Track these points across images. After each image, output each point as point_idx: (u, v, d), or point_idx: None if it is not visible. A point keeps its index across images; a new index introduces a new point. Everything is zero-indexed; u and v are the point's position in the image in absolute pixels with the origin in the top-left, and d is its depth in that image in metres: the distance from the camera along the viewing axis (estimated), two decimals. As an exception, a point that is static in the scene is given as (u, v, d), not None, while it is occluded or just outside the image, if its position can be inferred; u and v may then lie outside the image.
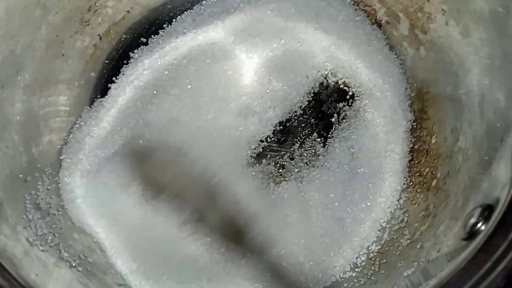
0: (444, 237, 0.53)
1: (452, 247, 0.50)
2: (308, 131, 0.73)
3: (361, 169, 0.70)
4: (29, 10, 0.62)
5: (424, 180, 0.66)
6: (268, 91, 0.73)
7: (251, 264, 0.64)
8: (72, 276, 0.56)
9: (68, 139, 0.69)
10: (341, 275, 0.65)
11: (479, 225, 0.47)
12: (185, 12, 0.77)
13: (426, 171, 0.66)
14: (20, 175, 0.59)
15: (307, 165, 0.71)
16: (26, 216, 0.57)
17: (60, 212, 0.63)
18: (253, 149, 0.71)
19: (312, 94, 0.74)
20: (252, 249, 0.65)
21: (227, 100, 0.73)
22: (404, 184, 0.69)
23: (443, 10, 0.63)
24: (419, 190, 0.66)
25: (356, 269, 0.65)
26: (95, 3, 0.71)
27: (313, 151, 0.72)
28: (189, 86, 0.73)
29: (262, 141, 0.72)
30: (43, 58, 0.66)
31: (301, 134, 0.73)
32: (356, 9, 0.75)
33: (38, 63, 0.65)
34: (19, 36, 0.61)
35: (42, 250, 0.55)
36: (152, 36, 0.76)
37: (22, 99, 0.63)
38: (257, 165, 0.71)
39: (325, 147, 0.71)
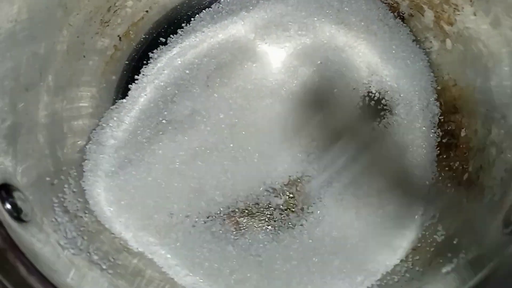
0: (484, 232, 0.52)
1: (494, 242, 0.49)
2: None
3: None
4: (51, 11, 0.61)
5: (454, 174, 0.65)
6: (294, 84, 0.72)
7: None
8: (104, 279, 0.56)
9: (90, 141, 0.69)
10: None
11: (524, 218, 0.46)
12: (203, 10, 0.77)
13: (456, 165, 0.65)
14: (47, 178, 0.59)
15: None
16: (56, 220, 0.56)
17: (87, 215, 0.62)
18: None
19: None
20: None
21: (251, 96, 0.72)
22: (432, 178, 0.68)
23: (470, 0, 0.62)
24: (449, 185, 0.65)
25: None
26: (115, 3, 0.70)
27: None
28: (208, 84, 0.73)
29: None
30: (65, 60, 0.65)
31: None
32: (378, 3, 0.74)
33: (61, 65, 0.64)
34: (42, 37, 0.61)
35: (74, 254, 0.54)
36: (171, 35, 0.76)
37: (45, 101, 0.62)
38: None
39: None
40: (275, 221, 0.68)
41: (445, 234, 0.60)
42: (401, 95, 0.72)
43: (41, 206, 0.55)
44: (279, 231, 0.67)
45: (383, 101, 0.72)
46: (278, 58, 0.74)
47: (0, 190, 0.49)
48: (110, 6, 0.70)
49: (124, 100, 0.72)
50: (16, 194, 0.50)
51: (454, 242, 0.57)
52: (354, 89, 0.72)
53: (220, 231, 0.67)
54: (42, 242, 0.51)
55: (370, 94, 0.72)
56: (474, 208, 0.57)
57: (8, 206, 0.49)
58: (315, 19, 0.74)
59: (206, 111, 0.71)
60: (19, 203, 0.50)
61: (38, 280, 0.44)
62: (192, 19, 0.76)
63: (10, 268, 0.45)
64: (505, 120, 0.57)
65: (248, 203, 0.68)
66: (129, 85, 0.73)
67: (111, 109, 0.72)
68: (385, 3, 0.74)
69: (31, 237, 0.49)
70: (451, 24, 0.67)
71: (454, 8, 0.65)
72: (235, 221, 0.68)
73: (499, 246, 0.48)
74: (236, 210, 0.68)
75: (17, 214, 0.49)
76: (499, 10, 0.58)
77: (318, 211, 0.67)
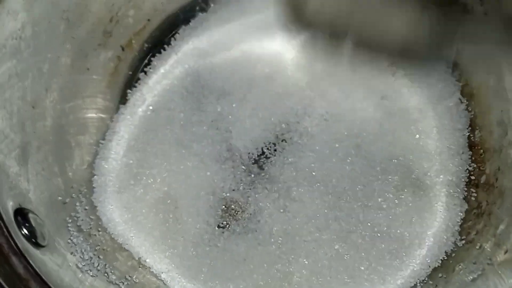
0: (508, 237, 0.51)
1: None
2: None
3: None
4: (54, 25, 0.60)
5: (470, 176, 0.64)
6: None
7: None
8: (123, 299, 0.54)
9: (98, 156, 0.67)
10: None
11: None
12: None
13: (473, 166, 0.64)
14: (59, 198, 0.57)
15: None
16: (71, 240, 0.55)
17: (100, 232, 0.61)
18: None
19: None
20: None
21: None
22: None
23: (480, 0, 0.61)
24: (466, 188, 0.64)
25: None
26: (117, 13, 0.69)
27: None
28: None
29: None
30: (69, 74, 0.64)
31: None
32: None
33: (65, 79, 0.63)
34: (46, 53, 0.59)
35: (92, 276, 0.53)
36: (172, 43, 0.75)
37: (52, 118, 0.61)
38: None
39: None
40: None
41: (466, 238, 0.59)
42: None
43: (55, 227, 0.53)
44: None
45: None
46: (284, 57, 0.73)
47: (16, 215, 0.47)
48: (112, 17, 0.68)
49: (122, 111, 0.71)
50: (31, 218, 0.49)
51: (477, 247, 0.56)
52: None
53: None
54: (61, 266, 0.49)
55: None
56: (496, 212, 0.57)
57: (25, 231, 0.47)
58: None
59: (206, 117, 0.70)
60: (35, 226, 0.49)
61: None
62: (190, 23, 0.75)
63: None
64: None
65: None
66: (127, 96, 0.72)
67: (115, 121, 0.70)
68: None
69: (50, 262, 0.48)
70: (461, 24, 0.66)
71: (463, 8, 0.64)
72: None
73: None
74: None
75: (34, 239, 0.48)
76: (510, 10, 0.57)
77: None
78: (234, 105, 0.71)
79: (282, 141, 0.69)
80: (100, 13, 0.66)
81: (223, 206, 0.66)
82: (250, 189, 0.66)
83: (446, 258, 0.60)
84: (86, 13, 0.64)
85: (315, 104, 0.70)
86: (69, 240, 0.54)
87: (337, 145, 0.68)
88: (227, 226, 0.65)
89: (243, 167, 0.68)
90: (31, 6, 0.56)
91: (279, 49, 0.74)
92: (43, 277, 0.43)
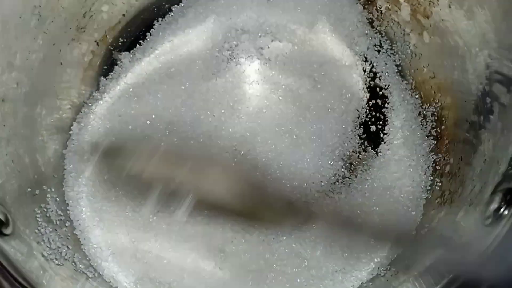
0: (465, 224, 0.53)
1: (474, 234, 0.50)
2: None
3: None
4: (25, 21, 0.60)
5: (437, 166, 0.65)
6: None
7: None
8: (90, 288, 0.56)
9: (70, 149, 0.68)
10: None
11: (501, 210, 0.46)
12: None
13: (439, 157, 0.65)
14: (29, 189, 0.58)
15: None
16: (39, 231, 0.56)
17: (70, 224, 0.62)
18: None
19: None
20: None
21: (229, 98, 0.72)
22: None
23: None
24: (431, 177, 0.65)
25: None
26: (90, 9, 0.70)
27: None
28: (186, 85, 0.73)
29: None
30: (41, 68, 0.64)
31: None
32: None
33: (37, 73, 0.64)
34: (17, 47, 0.60)
35: (58, 264, 0.54)
36: (147, 38, 0.75)
37: (23, 111, 0.62)
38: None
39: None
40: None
41: (428, 226, 0.61)
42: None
43: (23, 218, 0.54)
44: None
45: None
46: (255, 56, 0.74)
47: (-20, 205, 0.48)
48: (86, 12, 0.69)
49: (93, 105, 0.71)
50: (-4, 207, 0.50)
51: (438, 234, 0.58)
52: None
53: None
54: (25, 255, 0.51)
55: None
56: (456, 200, 0.58)
57: (-13, 220, 0.48)
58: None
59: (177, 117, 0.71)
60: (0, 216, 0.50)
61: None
62: (164, 18, 0.76)
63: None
64: (483, 111, 0.58)
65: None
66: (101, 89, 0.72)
67: (88, 114, 0.71)
68: (361, -2, 0.74)
69: (13, 250, 0.49)
70: (427, 17, 0.67)
71: (430, 1, 0.65)
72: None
73: (479, 238, 0.48)
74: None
75: (-3, 228, 0.49)
76: (473, 2, 0.58)
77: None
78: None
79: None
80: (72, 9, 0.67)
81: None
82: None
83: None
84: (58, 8, 0.65)
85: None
86: (36, 230, 0.55)
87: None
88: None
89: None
90: (0, 2, 0.56)
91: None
92: (3, 263, 0.44)
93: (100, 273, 0.59)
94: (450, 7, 0.62)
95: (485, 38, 0.57)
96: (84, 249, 0.62)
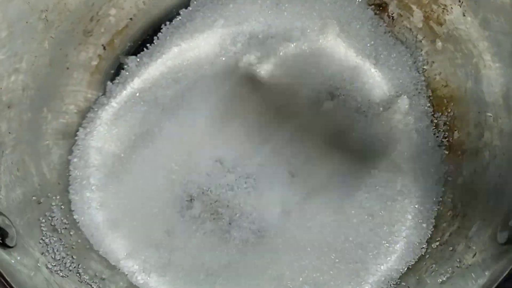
0: (478, 240, 0.51)
1: (488, 252, 0.48)
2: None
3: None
4: (31, 26, 0.60)
5: (448, 177, 0.64)
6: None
7: None
8: (94, 300, 0.55)
9: (75, 155, 0.67)
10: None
11: (519, 229, 0.45)
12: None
13: (450, 168, 0.64)
14: (33, 198, 0.58)
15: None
16: (43, 241, 0.55)
17: (75, 232, 0.61)
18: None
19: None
20: None
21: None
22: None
23: (459, 1, 0.61)
24: (443, 188, 0.64)
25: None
26: (97, 13, 0.69)
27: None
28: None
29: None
30: (47, 74, 0.64)
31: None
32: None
33: (43, 78, 0.63)
34: (23, 53, 0.59)
35: (63, 276, 0.53)
36: (155, 42, 0.74)
37: (29, 116, 0.61)
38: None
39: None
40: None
41: (440, 240, 0.59)
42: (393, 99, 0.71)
43: (27, 228, 0.54)
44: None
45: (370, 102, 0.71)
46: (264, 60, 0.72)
47: (-19, 216, 0.47)
48: (93, 16, 0.68)
49: (98, 112, 0.70)
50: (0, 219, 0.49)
51: (450, 249, 0.56)
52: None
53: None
54: (29, 268, 0.50)
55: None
56: (469, 214, 0.56)
57: (-9, 232, 0.47)
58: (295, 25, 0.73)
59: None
60: (3, 228, 0.49)
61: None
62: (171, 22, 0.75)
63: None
64: (497, 123, 0.56)
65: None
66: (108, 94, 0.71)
67: (92, 118, 0.70)
68: (374, 4, 0.72)
69: (17, 263, 0.48)
70: (440, 24, 0.66)
71: (443, 9, 0.64)
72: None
73: (494, 257, 0.47)
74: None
75: (1, 239, 0.48)
76: (488, 11, 0.57)
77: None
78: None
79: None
80: (79, 13, 0.66)
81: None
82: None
83: (419, 259, 0.59)
84: (65, 12, 0.64)
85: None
86: (40, 240, 0.54)
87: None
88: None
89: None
90: (5, 7, 0.56)
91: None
92: (7, 278, 0.43)
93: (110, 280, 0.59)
94: (464, 15, 0.61)
95: (500, 48, 0.56)
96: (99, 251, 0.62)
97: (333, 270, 0.62)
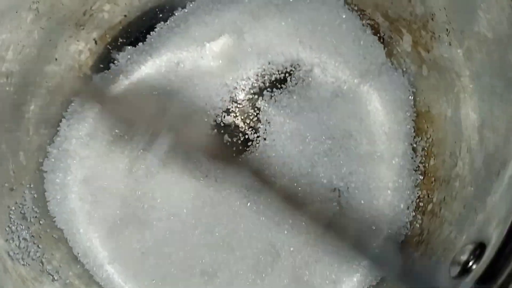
0: (434, 271, 0.52)
1: (440, 283, 0.49)
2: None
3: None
4: (21, 15, 0.60)
5: (420, 202, 0.64)
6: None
7: None
8: (53, 291, 0.55)
9: (54, 145, 0.68)
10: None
11: (470, 263, 0.45)
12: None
13: (423, 193, 0.64)
14: (6, 184, 0.58)
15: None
16: (9, 228, 0.55)
17: (45, 221, 0.61)
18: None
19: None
20: None
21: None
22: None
23: (447, 30, 0.61)
24: (413, 214, 0.64)
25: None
26: (91, 7, 0.69)
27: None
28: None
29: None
30: (34, 63, 0.64)
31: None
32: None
33: (30, 68, 0.64)
34: (10, 41, 0.60)
35: (23, 264, 0.54)
36: (147, 40, 0.75)
37: (11, 105, 0.62)
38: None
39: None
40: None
41: (403, 265, 0.60)
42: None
43: (-5, 213, 0.54)
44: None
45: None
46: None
47: None
48: (86, 10, 0.69)
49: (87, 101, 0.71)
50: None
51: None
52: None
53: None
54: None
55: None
56: (432, 242, 0.57)
57: None
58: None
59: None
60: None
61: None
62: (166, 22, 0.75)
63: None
64: (470, 154, 0.57)
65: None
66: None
67: (76, 110, 0.70)
68: (368, 24, 0.73)
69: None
70: (427, 50, 0.66)
71: (431, 36, 0.64)
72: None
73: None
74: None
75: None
76: (472, 44, 0.57)
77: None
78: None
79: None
80: (73, 6, 0.67)
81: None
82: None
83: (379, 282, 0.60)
84: (58, 5, 0.64)
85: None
86: (7, 228, 0.55)
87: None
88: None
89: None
90: (-5, -3, 0.56)
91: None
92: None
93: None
94: (450, 44, 0.61)
95: (480, 80, 0.56)
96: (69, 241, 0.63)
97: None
